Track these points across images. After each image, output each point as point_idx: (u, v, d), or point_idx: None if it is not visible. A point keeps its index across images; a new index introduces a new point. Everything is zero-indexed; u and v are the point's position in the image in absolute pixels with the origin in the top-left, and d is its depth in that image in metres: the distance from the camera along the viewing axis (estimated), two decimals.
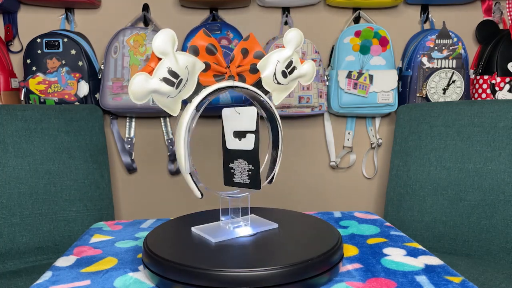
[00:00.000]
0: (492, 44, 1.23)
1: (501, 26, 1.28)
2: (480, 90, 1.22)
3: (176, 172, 1.31)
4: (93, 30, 1.25)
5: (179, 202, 1.33)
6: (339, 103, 1.22)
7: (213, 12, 1.25)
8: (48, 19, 1.23)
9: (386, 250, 0.58)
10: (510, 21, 1.28)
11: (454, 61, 1.20)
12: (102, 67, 1.17)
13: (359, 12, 1.29)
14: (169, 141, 1.29)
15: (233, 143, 0.56)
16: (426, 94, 1.20)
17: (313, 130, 1.34)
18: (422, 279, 0.49)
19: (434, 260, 0.55)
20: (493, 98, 1.20)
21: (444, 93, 1.20)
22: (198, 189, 0.54)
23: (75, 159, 1.02)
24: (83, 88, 1.13)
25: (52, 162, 0.99)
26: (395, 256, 0.56)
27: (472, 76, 1.26)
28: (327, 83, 1.25)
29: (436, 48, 1.20)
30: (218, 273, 0.45)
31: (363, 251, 0.58)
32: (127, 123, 1.28)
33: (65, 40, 1.13)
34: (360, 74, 1.20)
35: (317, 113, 1.23)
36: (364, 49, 1.21)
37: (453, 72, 1.20)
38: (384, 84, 1.20)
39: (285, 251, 0.50)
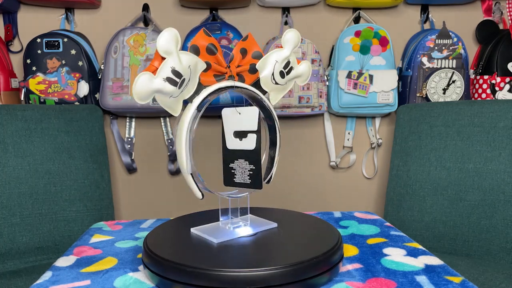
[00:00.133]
0: (492, 44, 1.23)
1: (501, 26, 1.28)
2: (480, 90, 1.22)
3: (176, 172, 1.31)
4: (93, 30, 1.25)
5: (179, 202, 1.33)
6: (339, 103, 1.22)
7: (213, 12, 1.25)
8: (48, 19, 1.23)
9: (386, 250, 0.58)
10: (510, 21, 1.28)
11: (454, 61, 1.20)
12: (102, 67, 1.17)
13: (359, 12, 1.29)
14: (169, 141, 1.29)
15: (233, 143, 0.56)
16: (426, 94, 1.20)
17: (313, 130, 1.34)
18: (422, 279, 0.49)
19: (434, 260, 0.55)
20: (493, 98, 1.20)
21: (444, 93, 1.20)
22: (199, 190, 0.54)
23: (75, 159, 1.02)
24: (83, 88, 1.13)
25: (52, 162, 0.99)
26: (395, 256, 0.56)
27: (472, 76, 1.26)
28: (327, 83, 1.25)
29: (436, 48, 1.20)
30: (218, 273, 0.45)
31: (363, 251, 0.58)
32: (127, 123, 1.28)
33: (65, 40, 1.13)
34: (360, 74, 1.20)
35: (317, 113, 1.23)
36: (364, 49, 1.21)
37: (453, 72, 1.20)
38: (384, 84, 1.20)
39: (285, 251, 0.50)
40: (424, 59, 1.20)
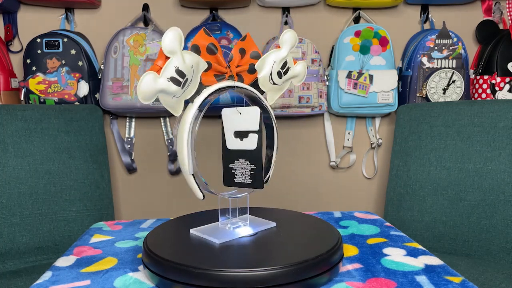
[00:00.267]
0: (492, 44, 1.23)
1: (501, 26, 1.28)
2: (480, 90, 1.22)
3: (176, 172, 1.31)
4: (93, 30, 1.25)
5: (179, 202, 1.33)
6: (339, 103, 1.22)
7: (213, 12, 1.25)
8: (48, 19, 1.23)
9: (386, 250, 0.58)
10: (510, 21, 1.28)
11: (454, 61, 1.20)
12: (102, 67, 1.17)
13: (359, 12, 1.29)
14: (169, 141, 1.29)
15: (233, 143, 0.56)
16: (426, 94, 1.20)
17: (313, 130, 1.34)
18: (422, 279, 0.49)
19: (434, 260, 0.55)
20: (493, 98, 1.20)
21: (444, 93, 1.20)
22: (200, 191, 0.54)
23: (75, 159, 1.02)
24: (83, 88, 1.13)
25: (52, 162, 0.99)
26: (395, 256, 0.56)
27: (472, 76, 1.26)
28: (327, 83, 1.25)
29: (436, 48, 1.20)
30: (218, 273, 0.45)
31: (363, 251, 0.58)
32: (127, 123, 1.28)
33: (65, 40, 1.13)
34: (360, 74, 1.20)
35: (317, 113, 1.23)
36: (364, 49, 1.21)
37: (453, 72, 1.20)
38: (384, 84, 1.20)
39: (285, 251, 0.50)
40: (424, 59, 1.20)
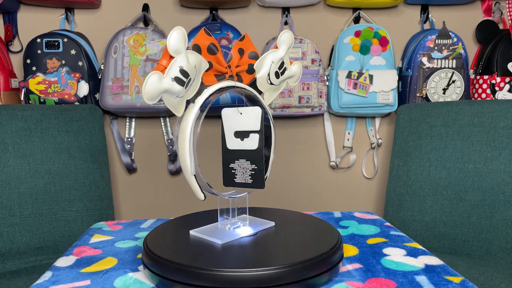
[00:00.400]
0: (492, 44, 1.23)
1: (501, 26, 1.28)
2: (480, 90, 1.22)
3: (176, 172, 1.31)
4: (93, 30, 1.25)
5: (179, 202, 1.33)
6: (339, 103, 1.22)
7: (213, 12, 1.25)
8: (48, 19, 1.23)
9: (386, 250, 0.58)
10: (510, 21, 1.28)
11: (454, 61, 1.20)
12: (102, 67, 1.17)
13: (359, 12, 1.29)
14: (169, 141, 1.29)
15: (234, 143, 0.56)
16: (426, 94, 1.20)
17: (313, 130, 1.34)
18: (422, 279, 0.49)
19: (434, 260, 0.55)
20: (493, 98, 1.20)
21: (444, 93, 1.20)
22: (202, 191, 0.54)
23: (75, 159, 1.02)
24: (83, 88, 1.13)
25: (52, 162, 0.99)
26: (395, 256, 0.56)
27: (472, 76, 1.26)
28: (327, 83, 1.25)
29: (436, 48, 1.20)
30: (218, 273, 0.45)
31: (363, 251, 0.58)
32: (127, 123, 1.28)
33: (65, 40, 1.13)
34: (360, 74, 1.20)
35: (317, 113, 1.23)
36: (364, 49, 1.21)
37: (453, 72, 1.20)
38: (384, 84, 1.20)
39: (285, 251, 0.50)
40: (424, 59, 1.20)
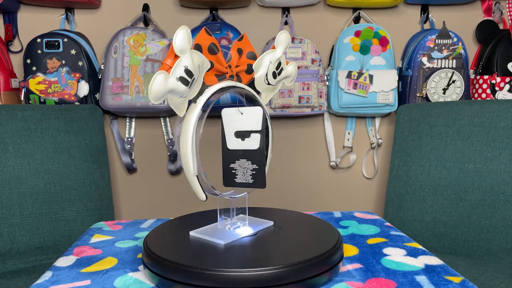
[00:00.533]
0: (492, 44, 1.23)
1: (501, 26, 1.28)
2: (480, 90, 1.22)
3: (176, 172, 1.31)
4: (93, 30, 1.25)
5: (179, 202, 1.33)
6: (339, 103, 1.22)
7: (213, 12, 1.25)
8: (48, 19, 1.23)
9: (386, 250, 0.58)
10: (510, 21, 1.28)
11: (454, 61, 1.20)
12: (102, 67, 1.17)
13: (359, 12, 1.29)
14: (169, 141, 1.29)
15: (234, 143, 0.56)
16: (426, 94, 1.20)
17: (313, 130, 1.34)
18: (422, 279, 0.49)
19: (434, 260, 0.55)
20: (493, 98, 1.20)
21: (444, 93, 1.20)
22: (204, 192, 0.53)
23: (75, 159, 1.02)
24: (83, 88, 1.13)
25: (52, 162, 0.99)
26: (395, 256, 0.56)
27: (472, 76, 1.26)
28: (327, 83, 1.25)
29: (436, 48, 1.20)
30: (218, 273, 0.45)
31: (363, 251, 0.58)
32: (127, 123, 1.28)
33: (65, 40, 1.13)
34: (360, 74, 1.20)
35: (317, 113, 1.23)
36: (364, 49, 1.21)
37: (453, 72, 1.20)
38: (384, 84, 1.20)
39: (285, 251, 0.50)
40: (424, 59, 1.20)
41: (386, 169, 1.36)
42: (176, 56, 0.47)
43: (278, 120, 1.33)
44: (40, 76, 1.12)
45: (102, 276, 0.52)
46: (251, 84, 0.58)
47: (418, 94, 1.21)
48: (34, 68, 1.13)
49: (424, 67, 1.20)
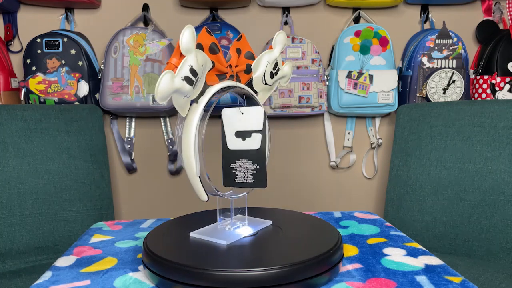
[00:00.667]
0: (492, 44, 1.23)
1: (501, 26, 1.28)
2: (480, 90, 1.22)
3: (176, 172, 1.31)
4: (93, 30, 1.25)
5: (179, 202, 1.33)
6: (339, 103, 1.22)
7: (213, 12, 1.25)
8: (48, 19, 1.23)
9: (386, 250, 0.58)
10: (510, 21, 1.28)
11: (454, 61, 1.20)
12: (102, 67, 1.17)
13: (359, 12, 1.29)
14: (169, 141, 1.29)
15: (235, 143, 0.56)
16: (426, 94, 1.20)
17: (313, 130, 1.34)
18: (422, 279, 0.49)
19: (434, 260, 0.55)
20: (493, 98, 1.20)
21: (444, 93, 1.20)
22: (206, 193, 0.53)
23: (75, 159, 1.02)
24: (83, 88, 1.13)
25: (52, 162, 0.99)
26: (395, 256, 0.56)
27: (472, 76, 1.26)
28: (327, 83, 1.25)
29: (436, 48, 1.20)
30: (218, 273, 0.45)
31: (363, 251, 0.58)
32: (127, 123, 1.28)
33: (65, 40, 1.13)
34: (360, 74, 1.20)
35: (317, 113, 1.23)
36: (364, 49, 1.21)
37: (453, 72, 1.20)
38: (384, 84, 1.20)
39: (285, 251, 0.50)
40: (424, 59, 1.20)
41: (386, 169, 1.36)
42: (182, 55, 0.47)
43: (278, 120, 1.33)
44: (40, 76, 1.12)
45: (102, 276, 0.52)
46: (249, 84, 0.58)
47: (418, 94, 1.21)
48: (34, 68, 1.13)
49: (424, 67, 1.20)
